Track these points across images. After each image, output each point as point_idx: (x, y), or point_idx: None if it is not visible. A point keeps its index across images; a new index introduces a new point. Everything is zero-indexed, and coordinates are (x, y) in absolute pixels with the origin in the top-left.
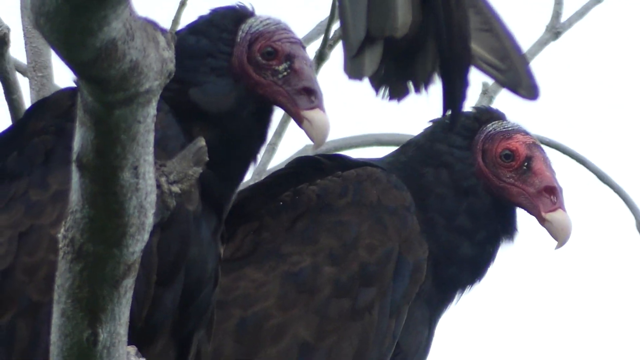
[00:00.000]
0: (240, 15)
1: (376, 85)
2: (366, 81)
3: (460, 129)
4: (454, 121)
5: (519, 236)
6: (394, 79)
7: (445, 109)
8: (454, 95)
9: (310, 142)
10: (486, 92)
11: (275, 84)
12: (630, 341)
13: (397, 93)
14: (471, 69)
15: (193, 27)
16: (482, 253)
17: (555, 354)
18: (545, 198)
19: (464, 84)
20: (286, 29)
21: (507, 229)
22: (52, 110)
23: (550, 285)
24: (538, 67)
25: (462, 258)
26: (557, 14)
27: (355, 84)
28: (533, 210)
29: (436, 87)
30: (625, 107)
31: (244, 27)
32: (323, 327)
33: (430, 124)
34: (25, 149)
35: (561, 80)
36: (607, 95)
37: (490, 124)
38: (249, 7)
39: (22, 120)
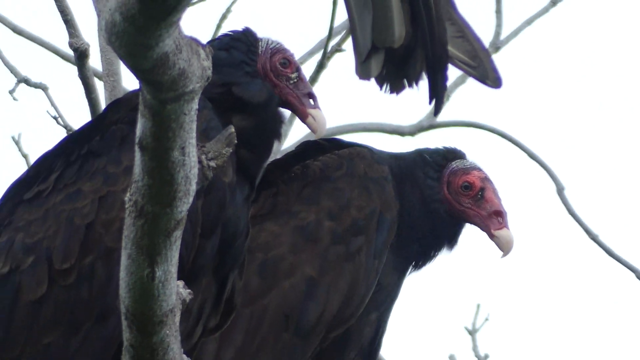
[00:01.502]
0: (255, 35)
1: (380, 82)
2: (372, 80)
3: (433, 164)
4: (438, 107)
5: (457, 248)
6: (393, 77)
7: (430, 98)
8: (437, 87)
9: (309, 132)
10: (446, 93)
11: (287, 87)
12: (559, 298)
13: (396, 88)
14: (449, 67)
15: (220, 45)
16: (426, 255)
17: (486, 318)
18: (494, 219)
19: (444, 78)
20: (288, 49)
21: (452, 244)
22: (126, 106)
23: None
24: None
25: (411, 251)
26: (497, 33)
27: (362, 82)
28: (485, 228)
29: (424, 82)
30: (548, 100)
31: (262, 43)
32: (324, 266)
33: (417, 153)
34: (105, 134)
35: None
36: (537, 94)
37: (454, 162)
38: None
39: (102, 113)
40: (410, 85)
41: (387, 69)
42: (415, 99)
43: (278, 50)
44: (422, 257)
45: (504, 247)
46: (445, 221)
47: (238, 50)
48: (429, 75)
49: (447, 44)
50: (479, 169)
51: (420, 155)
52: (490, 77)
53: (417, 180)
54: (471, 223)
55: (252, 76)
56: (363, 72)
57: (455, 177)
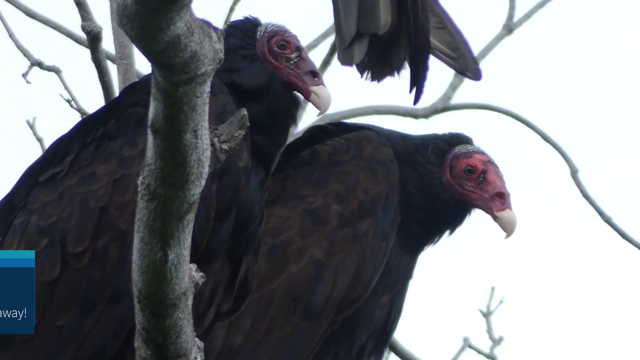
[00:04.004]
0: (255, 22)
1: (361, 69)
2: (354, 67)
3: (436, 150)
4: (417, 96)
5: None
6: (376, 65)
7: (411, 87)
8: (418, 76)
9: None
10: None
11: (288, 68)
12: (572, 280)
13: (378, 75)
14: (430, 57)
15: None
16: (427, 238)
17: (493, 298)
18: (496, 201)
19: (425, 68)
20: (289, 30)
21: (455, 228)
22: (142, 89)
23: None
24: (497, 56)
25: (411, 234)
26: (510, 15)
27: (347, 68)
28: (488, 211)
29: (405, 71)
30: (561, 82)
31: (261, 28)
32: (332, 249)
33: (422, 139)
34: (121, 117)
35: (515, 66)
36: (550, 76)
37: (457, 147)
38: (258, 17)
39: (119, 96)
40: (392, 73)
41: (369, 56)
42: (427, 82)
43: (276, 33)
44: (422, 240)
45: (507, 228)
46: (449, 206)
47: (234, 36)
48: (411, 63)
49: (429, 33)
50: (482, 153)
51: (424, 141)
52: (470, 69)
53: (417, 166)
54: (474, 206)
55: (250, 60)
56: (345, 58)
57: (458, 162)
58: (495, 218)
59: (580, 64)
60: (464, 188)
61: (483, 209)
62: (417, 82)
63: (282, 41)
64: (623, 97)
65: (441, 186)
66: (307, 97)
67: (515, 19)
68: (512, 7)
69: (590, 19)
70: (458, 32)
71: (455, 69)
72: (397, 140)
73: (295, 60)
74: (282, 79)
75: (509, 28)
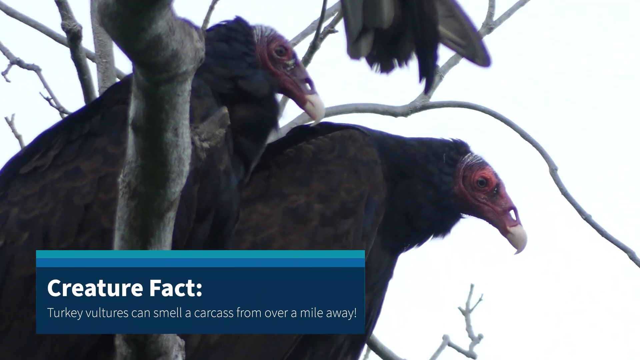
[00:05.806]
0: (248, 24)
1: (370, 62)
2: (363, 60)
3: (448, 159)
4: (427, 86)
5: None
6: (383, 57)
7: (420, 77)
8: (426, 67)
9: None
10: (436, 73)
11: (285, 74)
12: (552, 278)
13: (386, 67)
14: (440, 47)
15: (217, 36)
16: (419, 241)
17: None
18: (509, 216)
19: (434, 58)
20: (284, 36)
21: (446, 234)
22: (127, 87)
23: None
24: None
25: (403, 237)
26: (490, 14)
27: (352, 62)
28: (499, 224)
29: (414, 62)
30: (540, 81)
31: (256, 31)
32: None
33: (427, 145)
34: (107, 114)
35: (494, 64)
36: (529, 74)
37: (466, 156)
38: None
39: (105, 94)
40: (400, 64)
41: (377, 49)
42: (407, 80)
43: (274, 38)
44: (408, 242)
45: (518, 244)
46: (455, 216)
47: (237, 41)
48: (419, 55)
49: (438, 23)
50: (489, 164)
51: (432, 149)
52: (479, 56)
53: (431, 178)
54: (484, 218)
55: (254, 67)
56: (353, 52)
57: (472, 172)
58: (506, 233)
59: (560, 63)
60: (477, 200)
61: (494, 222)
62: (426, 72)
63: (280, 47)
64: (602, 95)
65: (454, 196)
66: (302, 105)
67: (495, 17)
68: (491, 6)
69: (570, 18)
70: (467, 20)
71: (464, 56)
72: (396, 149)
73: (292, 67)
74: (279, 87)
75: (488, 27)
